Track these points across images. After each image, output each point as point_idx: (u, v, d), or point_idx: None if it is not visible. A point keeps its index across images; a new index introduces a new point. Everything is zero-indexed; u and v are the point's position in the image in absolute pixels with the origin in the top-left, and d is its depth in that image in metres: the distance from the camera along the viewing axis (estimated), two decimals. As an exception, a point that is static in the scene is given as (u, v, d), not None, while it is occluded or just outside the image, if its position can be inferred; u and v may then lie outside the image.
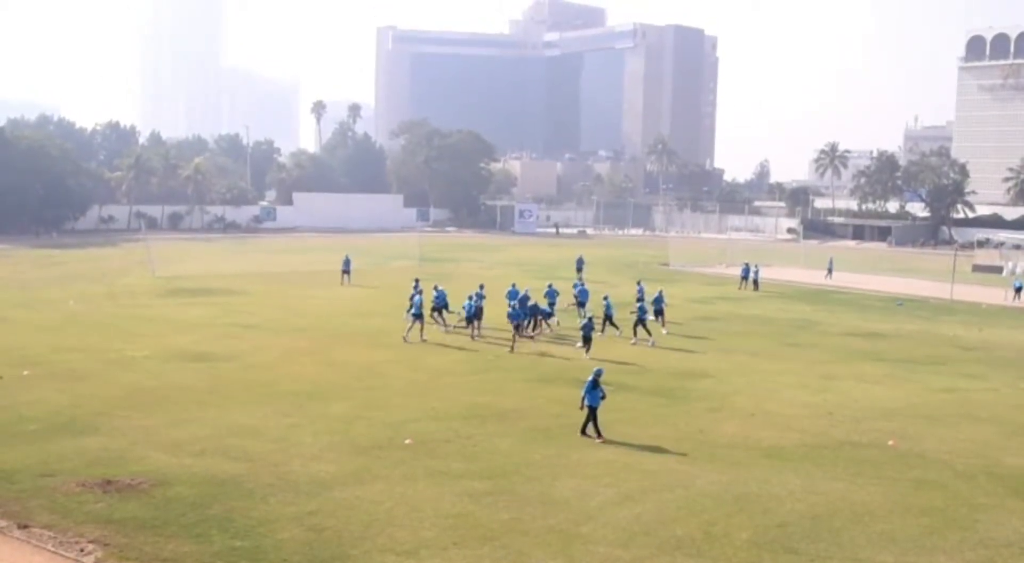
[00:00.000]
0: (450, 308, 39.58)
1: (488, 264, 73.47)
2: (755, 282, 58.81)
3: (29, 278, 57.68)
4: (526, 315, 38.35)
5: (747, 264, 60.63)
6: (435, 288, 40.44)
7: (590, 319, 35.54)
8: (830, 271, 66.82)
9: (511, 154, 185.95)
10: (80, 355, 32.20)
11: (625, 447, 22.25)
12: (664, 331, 39.43)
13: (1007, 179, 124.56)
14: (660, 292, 42.23)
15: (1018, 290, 56.80)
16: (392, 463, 20.51)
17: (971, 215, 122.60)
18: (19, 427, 22.70)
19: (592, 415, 22.85)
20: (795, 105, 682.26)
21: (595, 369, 23.59)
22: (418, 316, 36.84)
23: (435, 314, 39.07)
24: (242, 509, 17.41)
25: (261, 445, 21.63)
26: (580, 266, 60.42)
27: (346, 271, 56.64)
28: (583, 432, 22.90)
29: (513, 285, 41.94)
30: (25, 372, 28.89)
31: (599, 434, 22.70)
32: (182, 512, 17.18)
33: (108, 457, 20.40)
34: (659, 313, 40.53)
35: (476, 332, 37.78)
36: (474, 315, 37.77)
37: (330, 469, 19.94)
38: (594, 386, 22.91)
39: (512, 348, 34.85)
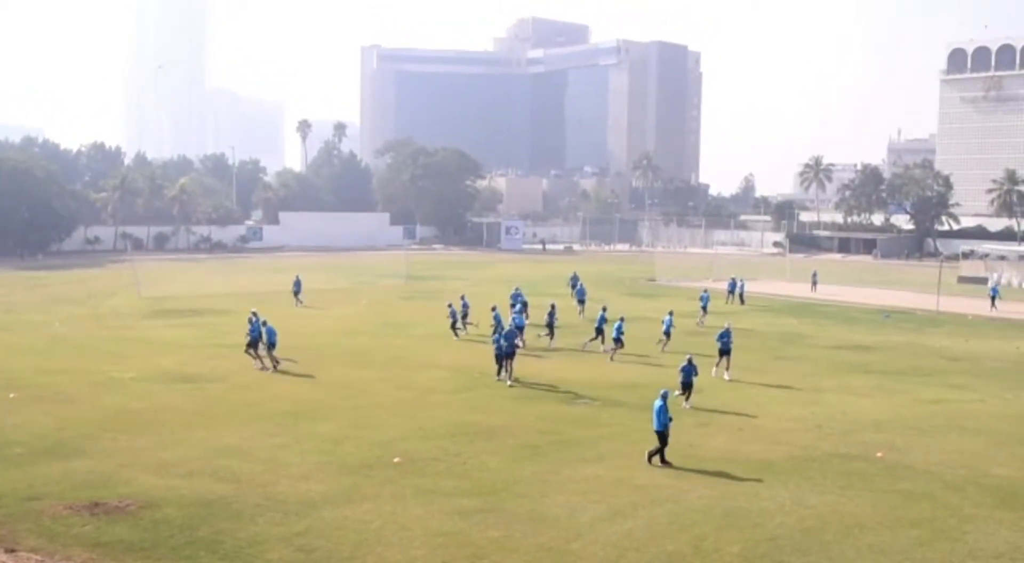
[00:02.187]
0: (263, 343, 34.49)
1: (474, 281, 73.41)
2: (740, 296, 58.98)
3: (14, 300, 57.37)
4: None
5: (733, 279, 60.83)
6: (251, 320, 35.08)
7: (690, 360, 28.55)
8: (814, 284, 67.19)
9: (497, 171, 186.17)
10: (66, 377, 32.03)
11: (614, 462, 22.24)
12: (727, 376, 33.24)
13: (990, 191, 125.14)
14: (727, 327, 34.76)
15: (993, 298, 57.31)
16: (381, 482, 20.45)
17: (956, 227, 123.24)
18: (5, 450, 22.56)
19: (661, 440, 22.06)
20: (779, 119, 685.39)
21: (662, 391, 22.99)
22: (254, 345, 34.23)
23: (250, 350, 34.72)
24: (230, 530, 17.33)
25: (249, 466, 21.55)
26: (575, 284, 60.25)
27: (296, 293, 55.02)
28: (650, 458, 22.16)
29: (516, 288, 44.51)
30: (11, 395, 28.75)
31: (663, 460, 22.02)
32: (170, 534, 17.10)
33: (95, 480, 20.29)
34: (725, 353, 33.63)
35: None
36: None
37: (319, 489, 19.87)
38: (664, 409, 22.07)
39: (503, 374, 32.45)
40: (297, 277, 56.94)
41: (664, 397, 22.50)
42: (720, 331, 34.40)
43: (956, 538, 17.62)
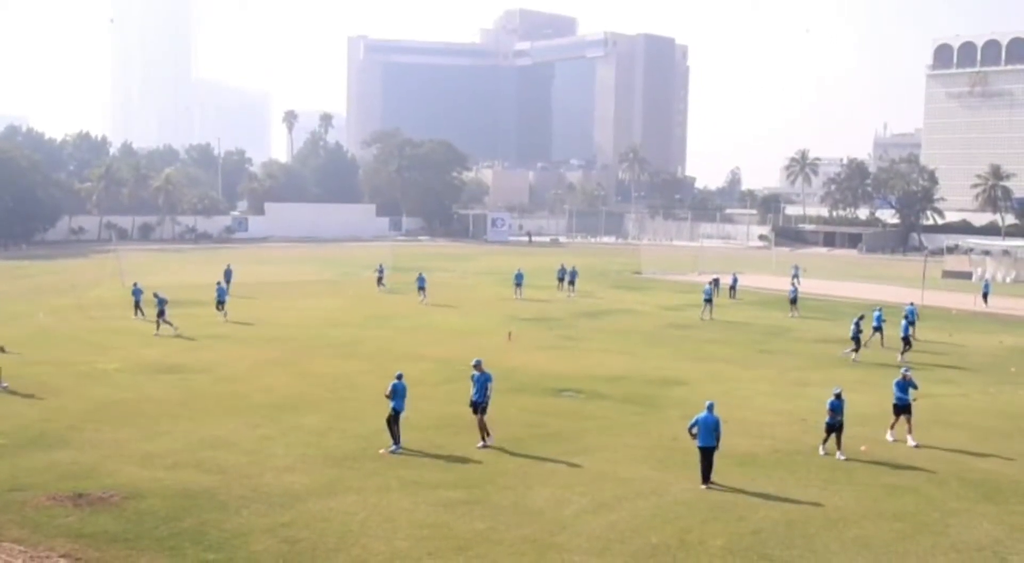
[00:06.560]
0: None
1: (460, 273, 73.42)
2: (732, 290, 59.32)
3: (-2, 290, 57.10)
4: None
5: (716, 277, 61.10)
6: None
7: (839, 395, 22.88)
8: (795, 277, 67.08)
9: (483, 163, 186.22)
10: (50, 368, 31.90)
11: (599, 455, 22.25)
12: (912, 441, 24.08)
13: (975, 186, 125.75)
14: (907, 375, 25.04)
15: (986, 295, 57.37)
16: (366, 474, 20.43)
17: (940, 222, 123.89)
18: (-12, 441, 22.45)
19: (706, 458, 20.15)
20: (765, 113, 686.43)
21: (708, 402, 20.74)
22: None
23: None
24: (215, 522, 17.29)
25: (234, 457, 21.50)
26: (562, 276, 60.21)
27: (227, 281, 53.63)
28: (704, 481, 20.04)
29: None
30: (-6, 385, 28.61)
31: (705, 478, 20.09)
32: (154, 525, 17.05)
33: (79, 471, 20.21)
34: (903, 411, 24.37)
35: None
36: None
37: (303, 480, 19.84)
38: (708, 422, 20.13)
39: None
40: (228, 266, 55.94)
41: (711, 408, 20.37)
42: (896, 379, 25.08)
43: (939, 531, 17.70)
